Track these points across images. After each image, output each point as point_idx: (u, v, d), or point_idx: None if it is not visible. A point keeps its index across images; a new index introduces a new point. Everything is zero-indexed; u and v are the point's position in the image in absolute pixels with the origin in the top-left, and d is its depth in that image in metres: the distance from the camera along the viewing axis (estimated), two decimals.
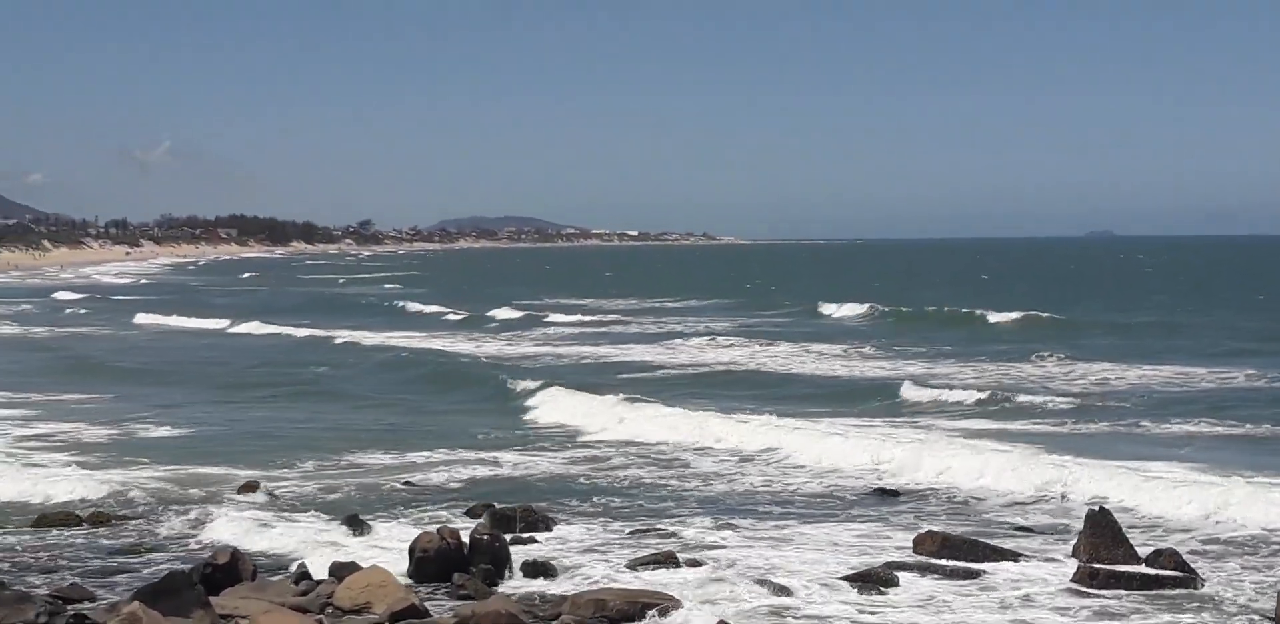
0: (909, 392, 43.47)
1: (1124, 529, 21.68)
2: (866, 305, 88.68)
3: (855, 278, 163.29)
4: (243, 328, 79.15)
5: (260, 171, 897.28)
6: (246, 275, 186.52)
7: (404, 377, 52.76)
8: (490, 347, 67.41)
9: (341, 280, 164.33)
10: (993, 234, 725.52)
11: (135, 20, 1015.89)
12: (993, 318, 76.26)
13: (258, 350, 65.84)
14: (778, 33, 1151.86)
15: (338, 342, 68.43)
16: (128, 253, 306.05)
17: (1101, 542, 21.29)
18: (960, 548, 21.78)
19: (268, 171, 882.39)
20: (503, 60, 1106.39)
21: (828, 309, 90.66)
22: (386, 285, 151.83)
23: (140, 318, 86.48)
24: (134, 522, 25.23)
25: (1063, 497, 26.79)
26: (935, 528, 23.30)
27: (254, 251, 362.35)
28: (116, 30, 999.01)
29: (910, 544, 22.40)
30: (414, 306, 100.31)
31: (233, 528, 24.45)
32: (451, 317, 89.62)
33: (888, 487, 28.62)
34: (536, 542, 23.13)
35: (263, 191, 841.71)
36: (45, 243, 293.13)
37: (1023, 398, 41.59)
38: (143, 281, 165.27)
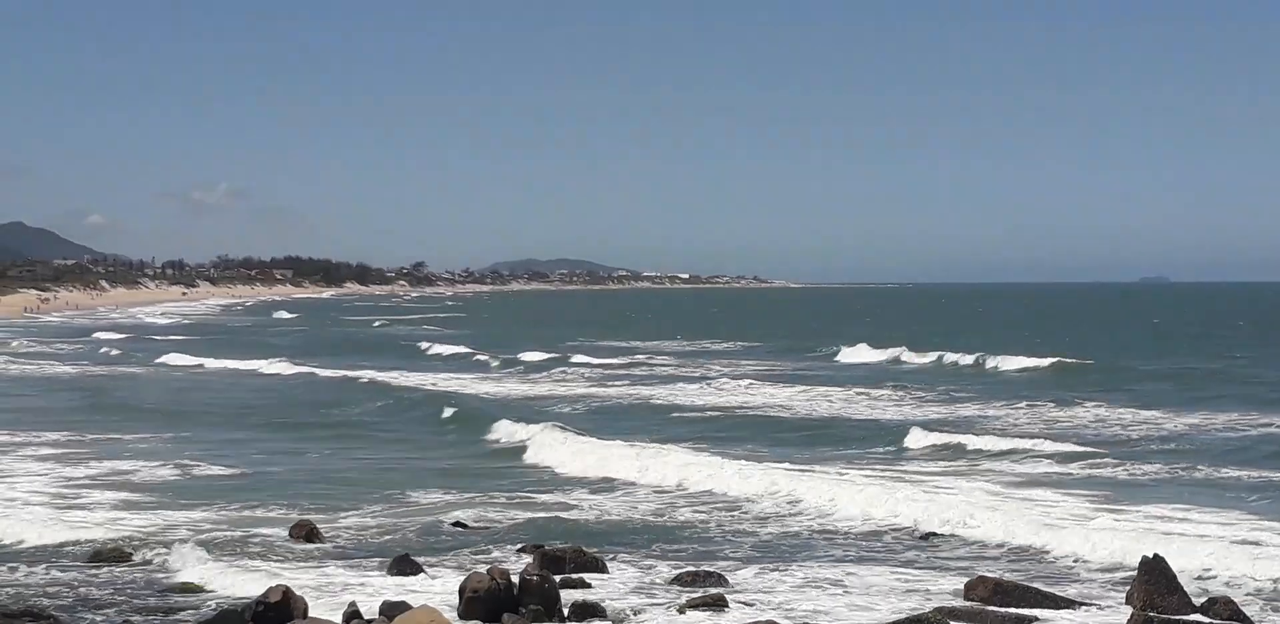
0: (921, 437, 43.20)
1: (1176, 576, 21.44)
2: (894, 349, 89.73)
3: (889, 320, 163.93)
4: (272, 368, 79.59)
5: (316, 213, 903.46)
6: (288, 315, 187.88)
7: (424, 416, 53.13)
8: (512, 387, 68.30)
9: (377, 322, 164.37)
10: (1047, 279, 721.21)
11: (194, 64, 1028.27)
12: (1021, 363, 76.58)
13: (283, 390, 66.47)
14: (830, 80, 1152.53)
15: (361, 381, 69.53)
16: (184, 293, 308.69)
17: (1155, 589, 21.02)
18: (1012, 594, 21.56)
19: (323, 213, 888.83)
20: (557, 106, 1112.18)
21: (849, 354, 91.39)
22: (426, 327, 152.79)
23: (170, 358, 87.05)
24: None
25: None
26: (987, 574, 23.11)
27: (306, 293, 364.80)
28: (175, 74, 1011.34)
29: (962, 589, 22.22)
30: (442, 348, 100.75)
31: (283, 566, 24.59)
32: (479, 358, 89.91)
33: (939, 531, 28.40)
34: (587, 584, 23.09)
35: (318, 233, 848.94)
36: (103, 283, 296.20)
37: (1063, 446, 40.94)
38: (184, 322, 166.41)
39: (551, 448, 41.55)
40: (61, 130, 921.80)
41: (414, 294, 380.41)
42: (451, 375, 76.26)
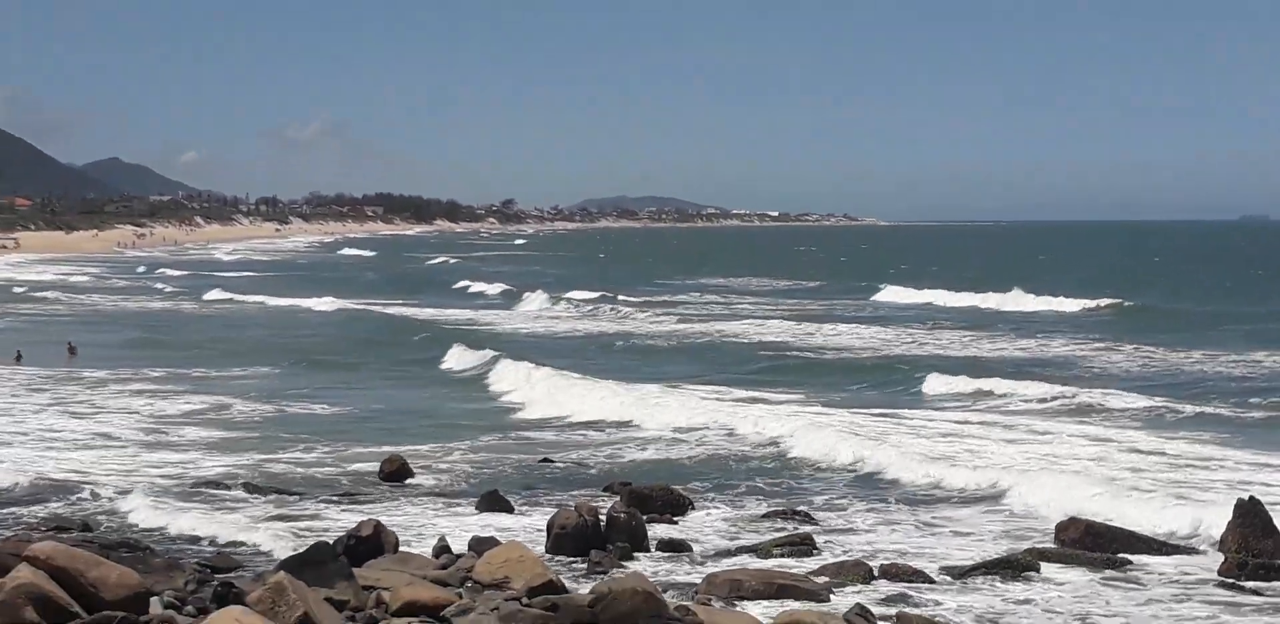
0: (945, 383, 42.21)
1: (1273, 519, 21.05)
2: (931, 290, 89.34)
3: (954, 259, 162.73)
4: (319, 306, 79.38)
5: (408, 151, 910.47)
6: (358, 252, 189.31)
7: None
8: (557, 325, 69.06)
9: (439, 259, 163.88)
10: (1144, 217, 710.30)
11: (289, 3, 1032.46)
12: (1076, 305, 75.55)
13: (325, 326, 67.13)
14: (924, 15, 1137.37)
15: (419, 318, 70.66)
16: (277, 229, 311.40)
17: (1251, 532, 20.67)
18: (1104, 536, 21.32)
19: (415, 151, 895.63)
20: (648, 43, 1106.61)
21: (882, 295, 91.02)
22: (491, 265, 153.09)
23: (212, 294, 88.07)
24: (283, 494, 25.61)
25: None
26: (1079, 516, 22.84)
27: (395, 229, 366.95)
28: (270, 12, 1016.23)
29: (1053, 531, 22.01)
30: (485, 286, 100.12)
31: (370, 502, 24.87)
32: (528, 294, 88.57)
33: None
34: (674, 521, 23.12)
35: (409, 170, 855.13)
36: (198, 219, 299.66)
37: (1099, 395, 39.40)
38: (254, 258, 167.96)
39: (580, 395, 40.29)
40: (156, 67, 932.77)
41: (494, 231, 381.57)
42: (489, 311, 77.92)
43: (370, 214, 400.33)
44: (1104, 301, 75.73)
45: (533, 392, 40.67)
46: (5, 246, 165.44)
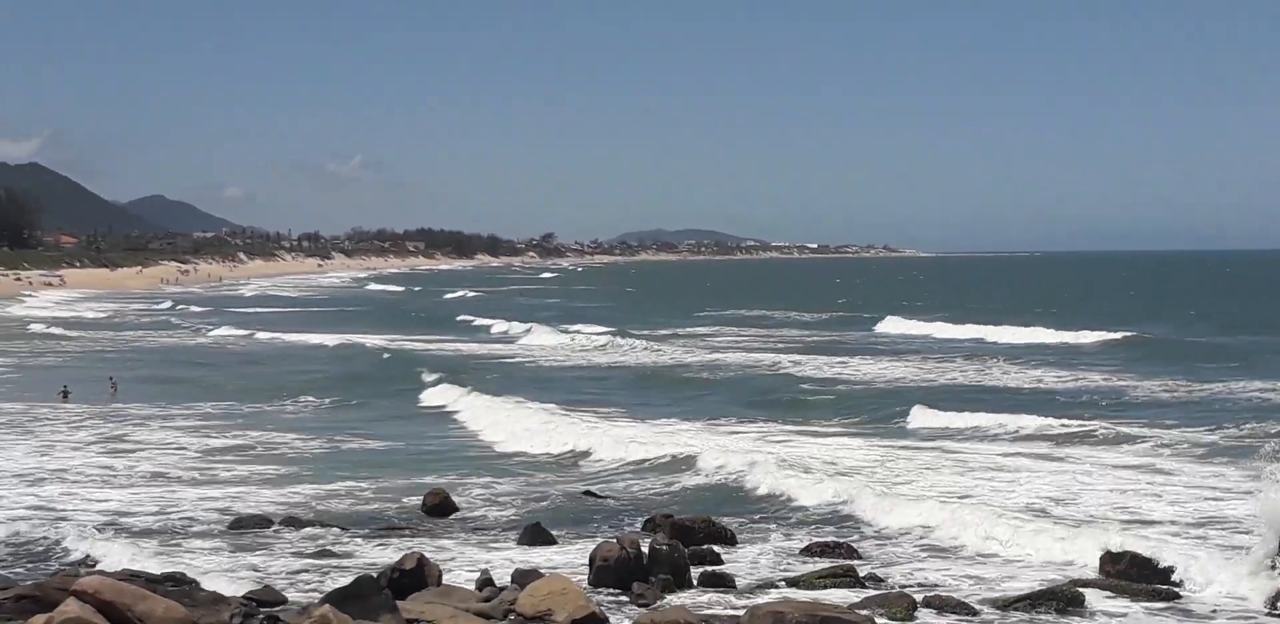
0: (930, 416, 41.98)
1: None
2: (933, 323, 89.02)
3: (973, 290, 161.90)
4: (319, 339, 79.89)
5: (448, 186, 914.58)
6: (383, 287, 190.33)
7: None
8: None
9: (458, 293, 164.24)
10: (1186, 247, 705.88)
11: (330, 39, 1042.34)
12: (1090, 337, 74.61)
13: (320, 360, 67.42)
14: (969, 40, 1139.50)
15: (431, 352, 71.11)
16: (319, 265, 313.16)
17: None
18: (1148, 567, 21.19)
19: (455, 186, 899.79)
20: (686, 75, 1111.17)
21: (882, 325, 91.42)
22: (519, 299, 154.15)
23: (220, 331, 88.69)
24: (326, 528, 25.73)
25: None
26: (1122, 547, 22.67)
27: (437, 264, 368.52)
28: (311, 48, 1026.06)
29: (1097, 563, 21.87)
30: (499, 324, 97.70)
31: (413, 536, 24.96)
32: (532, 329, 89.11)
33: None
34: (716, 554, 23.09)
35: (450, 205, 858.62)
36: (241, 255, 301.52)
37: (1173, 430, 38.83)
38: (272, 293, 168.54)
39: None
40: (199, 105, 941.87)
41: (531, 264, 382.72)
42: (489, 344, 78.39)
43: (412, 249, 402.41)
44: (1111, 335, 74.69)
45: (491, 422, 41.85)
46: (51, 284, 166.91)
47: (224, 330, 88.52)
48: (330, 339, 78.39)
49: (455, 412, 45.24)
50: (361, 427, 41.72)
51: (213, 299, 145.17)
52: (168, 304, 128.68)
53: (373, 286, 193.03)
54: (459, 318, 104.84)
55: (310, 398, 49.44)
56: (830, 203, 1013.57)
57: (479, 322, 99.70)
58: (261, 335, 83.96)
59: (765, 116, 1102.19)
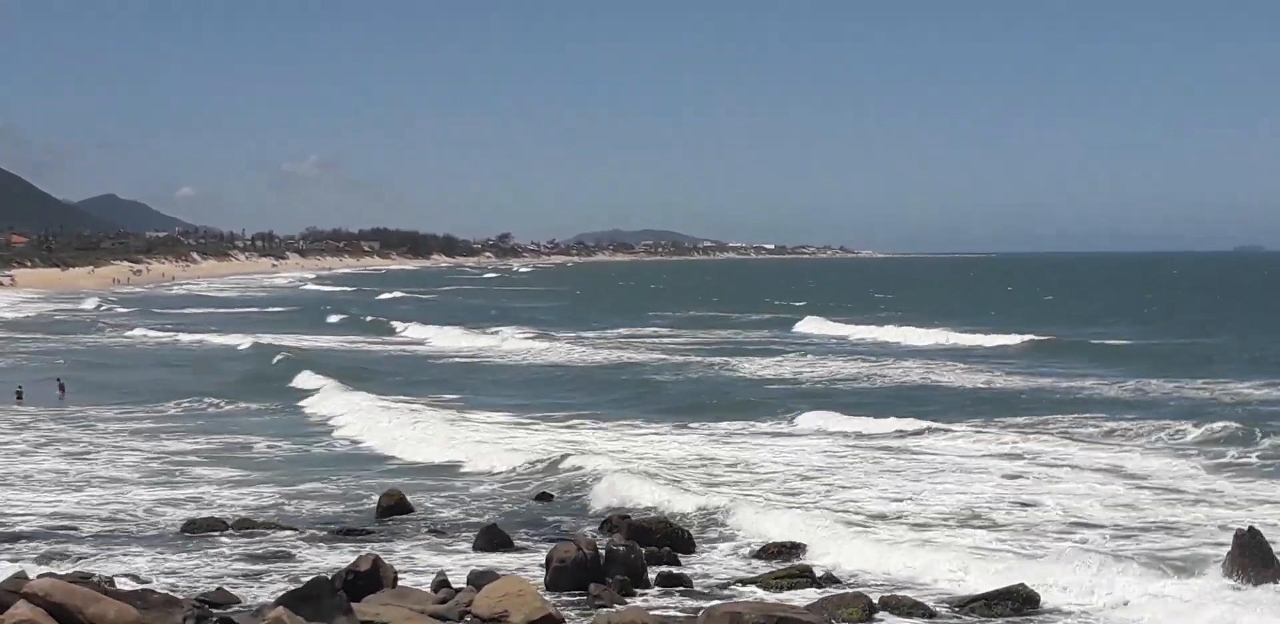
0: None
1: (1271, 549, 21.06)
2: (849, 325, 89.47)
3: (912, 291, 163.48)
4: (223, 340, 79.40)
5: (404, 186, 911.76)
6: (325, 288, 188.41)
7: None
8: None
9: (396, 294, 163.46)
10: (1138, 249, 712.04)
11: (283, 37, 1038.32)
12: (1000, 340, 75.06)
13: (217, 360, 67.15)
14: (920, 46, 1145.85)
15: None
16: (274, 265, 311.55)
17: (1250, 563, 20.71)
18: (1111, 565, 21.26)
19: (411, 186, 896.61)
20: (642, 75, 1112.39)
21: (801, 325, 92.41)
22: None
23: (135, 332, 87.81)
24: (280, 530, 25.58)
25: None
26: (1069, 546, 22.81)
27: (392, 264, 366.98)
28: (265, 47, 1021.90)
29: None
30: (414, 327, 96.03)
31: (372, 536, 24.87)
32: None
33: (1024, 500, 27.93)
34: (673, 554, 23.06)
35: (406, 206, 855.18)
36: (194, 255, 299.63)
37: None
38: (206, 294, 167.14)
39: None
40: (152, 104, 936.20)
41: (488, 264, 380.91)
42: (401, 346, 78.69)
43: (367, 249, 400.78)
44: (1019, 337, 74.85)
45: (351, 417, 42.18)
46: (2, 283, 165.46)
47: (140, 332, 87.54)
48: (245, 341, 76.91)
49: (336, 416, 43.98)
50: (246, 428, 41.07)
51: (144, 299, 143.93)
52: (92, 304, 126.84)
53: (311, 287, 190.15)
54: (376, 319, 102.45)
55: (181, 401, 48.21)
56: (788, 204, 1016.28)
57: (396, 323, 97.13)
58: (183, 337, 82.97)
59: (724, 118, 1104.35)
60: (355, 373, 57.30)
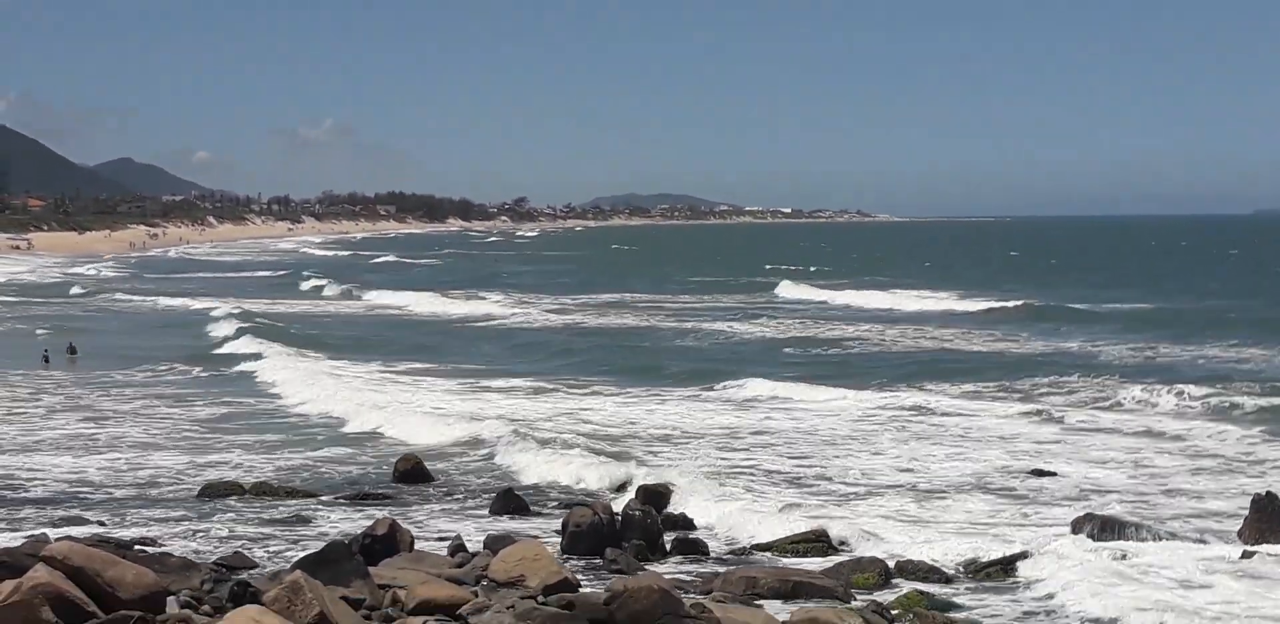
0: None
1: None
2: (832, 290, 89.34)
3: (914, 255, 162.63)
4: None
5: (420, 149, 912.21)
6: (325, 252, 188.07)
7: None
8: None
9: (387, 258, 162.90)
10: (1159, 212, 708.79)
11: (301, 3, 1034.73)
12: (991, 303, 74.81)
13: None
14: (933, 17, 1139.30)
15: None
16: (289, 229, 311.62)
17: (1268, 526, 20.71)
18: (1118, 531, 21.28)
19: (428, 149, 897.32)
20: (661, 39, 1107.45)
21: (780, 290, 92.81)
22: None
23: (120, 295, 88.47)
24: (295, 495, 25.69)
25: None
26: (1095, 510, 22.80)
27: (407, 228, 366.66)
28: (280, 11, 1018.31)
29: (1069, 527, 21.96)
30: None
31: (393, 500, 24.95)
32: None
33: (1044, 468, 27.94)
34: (689, 518, 23.10)
35: (422, 169, 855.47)
36: (210, 219, 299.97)
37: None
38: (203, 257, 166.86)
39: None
40: (168, 67, 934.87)
41: (497, 229, 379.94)
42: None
43: (383, 213, 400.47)
44: (1009, 303, 74.46)
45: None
46: (18, 247, 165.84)
47: (121, 296, 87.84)
48: (216, 305, 75.74)
49: (275, 381, 43.35)
50: (187, 395, 40.48)
51: (142, 264, 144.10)
52: (80, 269, 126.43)
53: (314, 252, 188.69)
54: (344, 286, 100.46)
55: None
56: (806, 169, 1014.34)
57: (363, 290, 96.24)
58: (163, 301, 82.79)
59: (742, 81, 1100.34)
60: (304, 338, 57.41)
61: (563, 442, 30.25)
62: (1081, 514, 22.21)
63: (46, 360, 47.86)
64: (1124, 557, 19.76)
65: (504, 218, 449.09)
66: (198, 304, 77.59)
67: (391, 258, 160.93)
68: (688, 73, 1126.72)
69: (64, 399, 39.02)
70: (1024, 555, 19.78)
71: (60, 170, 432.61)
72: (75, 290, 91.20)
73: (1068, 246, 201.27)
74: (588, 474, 27.14)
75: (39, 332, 59.01)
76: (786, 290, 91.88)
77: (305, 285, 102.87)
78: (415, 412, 35.81)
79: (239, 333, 57.28)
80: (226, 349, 52.90)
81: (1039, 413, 35.12)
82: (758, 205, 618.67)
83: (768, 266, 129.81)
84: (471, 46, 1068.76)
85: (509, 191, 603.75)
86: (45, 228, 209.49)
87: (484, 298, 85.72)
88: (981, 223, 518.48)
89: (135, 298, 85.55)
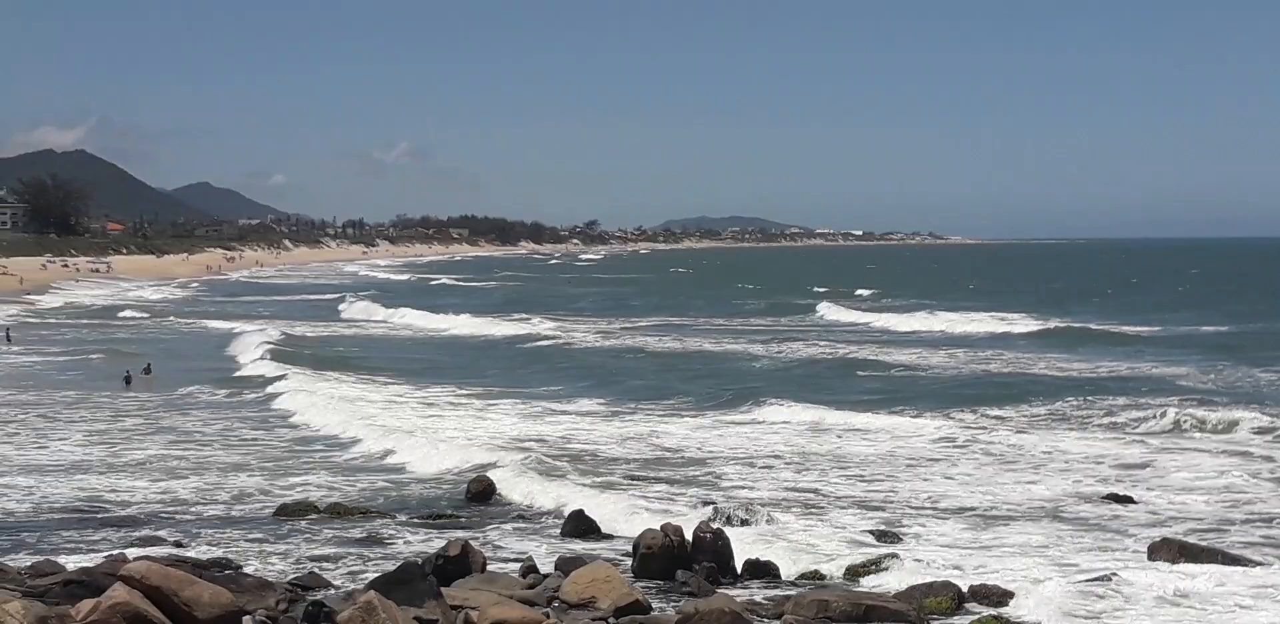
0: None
1: None
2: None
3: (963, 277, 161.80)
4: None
5: (492, 173, 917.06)
6: (395, 277, 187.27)
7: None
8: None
9: (441, 280, 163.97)
10: (1236, 234, 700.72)
11: (374, 28, 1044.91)
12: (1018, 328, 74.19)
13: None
14: (1018, 26, 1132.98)
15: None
16: (364, 252, 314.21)
17: None
18: (1198, 556, 21.00)
19: (500, 173, 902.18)
20: (733, 61, 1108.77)
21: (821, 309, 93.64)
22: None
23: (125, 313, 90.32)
24: (369, 515, 25.85)
25: None
26: (1171, 536, 22.54)
27: (480, 251, 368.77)
28: (352, 37, 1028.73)
29: (1145, 552, 21.71)
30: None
31: (465, 521, 25.03)
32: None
33: (1120, 493, 27.62)
34: (761, 539, 23.04)
35: (494, 193, 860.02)
36: (286, 242, 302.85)
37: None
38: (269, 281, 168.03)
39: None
40: (245, 92, 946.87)
41: (559, 251, 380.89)
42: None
43: (455, 236, 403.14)
44: (1050, 324, 74.46)
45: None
46: (98, 270, 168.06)
47: (128, 313, 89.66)
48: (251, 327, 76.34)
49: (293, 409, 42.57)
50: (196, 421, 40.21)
51: (208, 286, 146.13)
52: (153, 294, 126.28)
53: (378, 275, 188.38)
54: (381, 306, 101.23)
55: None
56: (878, 190, 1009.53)
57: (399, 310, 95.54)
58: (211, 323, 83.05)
59: (815, 104, 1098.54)
60: (330, 360, 57.97)
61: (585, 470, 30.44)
62: (1159, 539, 21.95)
63: (128, 382, 48.56)
64: (1203, 584, 19.52)
65: (575, 241, 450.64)
66: (244, 327, 77.04)
67: (447, 280, 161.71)
68: (762, 95, 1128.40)
69: (144, 421, 39.41)
70: (1103, 579, 19.56)
71: (139, 194, 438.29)
72: (130, 313, 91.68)
73: (1147, 269, 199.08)
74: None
75: (92, 356, 59.37)
76: (830, 314, 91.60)
77: (347, 309, 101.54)
78: (451, 436, 35.78)
79: (266, 355, 57.67)
80: (255, 371, 52.85)
81: (1114, 436, 34.80)
82: (829, 227, 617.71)
83: (818, 289, 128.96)
84: (546, 72, 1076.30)
85: (582, 215, 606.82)
86: (125, 251, 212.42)
87: (526, 319, 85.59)
88: (1053, 245, 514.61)
89: (187, 320, 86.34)
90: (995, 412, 40.50)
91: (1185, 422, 36.71)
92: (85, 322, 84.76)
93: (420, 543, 23.15)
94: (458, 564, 19.58)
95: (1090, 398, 42.30)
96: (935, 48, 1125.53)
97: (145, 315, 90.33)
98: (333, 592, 19.01)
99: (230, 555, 21.87)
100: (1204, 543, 22.12)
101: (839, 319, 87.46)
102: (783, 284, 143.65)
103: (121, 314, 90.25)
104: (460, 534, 23.00)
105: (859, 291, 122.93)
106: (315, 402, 42.36)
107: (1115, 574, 19.70)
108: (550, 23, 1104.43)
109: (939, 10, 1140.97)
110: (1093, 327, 73.12)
